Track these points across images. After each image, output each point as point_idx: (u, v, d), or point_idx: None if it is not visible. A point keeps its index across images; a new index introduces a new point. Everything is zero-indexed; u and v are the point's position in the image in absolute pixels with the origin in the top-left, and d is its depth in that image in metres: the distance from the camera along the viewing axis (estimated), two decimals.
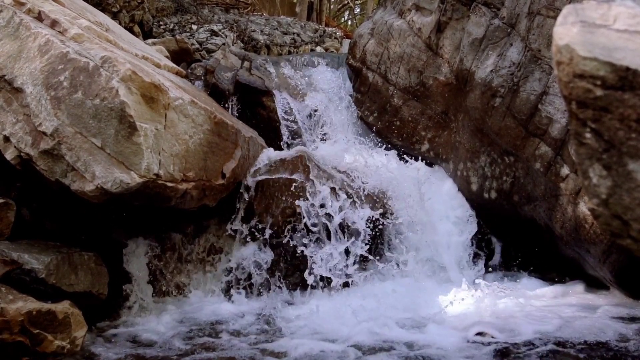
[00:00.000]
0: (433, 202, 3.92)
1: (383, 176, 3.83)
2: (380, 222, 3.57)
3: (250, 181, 3.45)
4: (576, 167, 2.83)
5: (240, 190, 3.45)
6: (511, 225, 3.82)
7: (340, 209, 3.44)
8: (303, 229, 3.40)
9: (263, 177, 3.48)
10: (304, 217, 3.37)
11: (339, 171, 3.78)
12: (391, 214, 3.63)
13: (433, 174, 4.28)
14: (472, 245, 3.91)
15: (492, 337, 2.48)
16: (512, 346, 2.36)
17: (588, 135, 1.11)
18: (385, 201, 3.70)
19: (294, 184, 3.48)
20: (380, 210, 3.59)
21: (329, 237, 3.39)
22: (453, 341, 2.46)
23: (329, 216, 3.40)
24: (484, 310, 2.93)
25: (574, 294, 3.33)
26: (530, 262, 3.77)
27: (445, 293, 3.26)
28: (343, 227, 3.43)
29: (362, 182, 3.72)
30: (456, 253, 3.80)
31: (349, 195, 3.54)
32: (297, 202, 3.40)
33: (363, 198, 3.61)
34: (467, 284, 3.40)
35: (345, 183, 3.63)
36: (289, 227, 3.43)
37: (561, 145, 3.30)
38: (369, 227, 3.49)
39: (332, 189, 3.51)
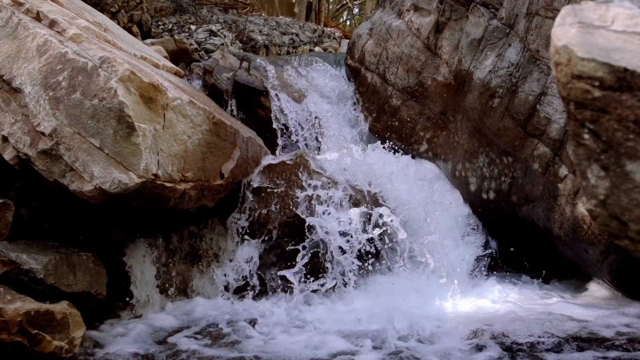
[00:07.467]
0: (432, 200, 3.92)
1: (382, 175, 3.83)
2: (381, 223, 3.56)
3: (249, 185, 3.45)
4: (574, 168, 2.83)
5: (239, 193, 3.44)
6: (509, 225, 3.82)
7: (340, 209, 3.44)
8: (303, 231, 3.40)
9: (263, 184, 3.49)
10: (304, 220, 3.37)
11: (340, 172, 3.77)
12: (388, 216, 3.63)
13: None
14: (471, 246, 3.91)
15: (490, 339, 2.48)
16: (510, 348, 2.36)
17: (586, 136, 1.11)
18: (384, 202, 3.70)
19: (294, 187, 3.48)
20: (381, 211, 3.59)
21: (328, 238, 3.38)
22: (450, 344, 2.46)
23: (328, 218, 3.40)
24: (482, 313, 2.93)
25: (573, 294, 3.34)
26: (529, 262, 3.77)
27: (443, 295, 3.26)
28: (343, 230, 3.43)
29: (363, 183, 3.72)
30: (455, 254, 3.80)
31: (350, 198, 3.54)
32: (296, 205, 3.39)
33: (364, 199, 3.61)
34: (465, 286, 3.40)
35: (346, 185, 3.62)
36: (288, 229, 3.43)
37: (560, 145, 3.30)
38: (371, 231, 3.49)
39: (330, 188, 3.51)
